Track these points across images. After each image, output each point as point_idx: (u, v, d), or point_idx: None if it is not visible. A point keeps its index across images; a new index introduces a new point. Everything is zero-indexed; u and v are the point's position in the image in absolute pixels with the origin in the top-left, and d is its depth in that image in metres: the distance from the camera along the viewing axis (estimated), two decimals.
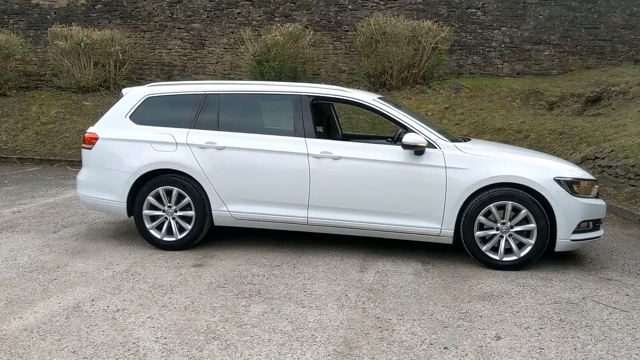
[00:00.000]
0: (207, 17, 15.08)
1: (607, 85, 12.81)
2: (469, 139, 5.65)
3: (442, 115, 12.19)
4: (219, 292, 4.18)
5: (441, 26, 13.38)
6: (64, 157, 11.66)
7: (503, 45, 14.37)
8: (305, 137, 5.14)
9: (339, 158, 5.03)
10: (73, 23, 14.97)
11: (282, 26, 13.67)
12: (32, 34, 15.44)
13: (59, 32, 13.94)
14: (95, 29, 14.54)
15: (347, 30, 14.60)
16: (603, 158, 9.48)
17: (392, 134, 6.78)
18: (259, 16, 14.94)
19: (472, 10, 14.38)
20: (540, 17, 14.24)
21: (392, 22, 13.09)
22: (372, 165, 4.99)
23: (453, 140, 5.18)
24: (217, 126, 5.32)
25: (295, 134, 5.16)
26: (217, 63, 15.08)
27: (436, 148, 4.96)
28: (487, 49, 14.41)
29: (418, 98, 12.87)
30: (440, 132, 5.23)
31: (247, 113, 5.42)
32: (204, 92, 5.45)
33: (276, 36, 13.37)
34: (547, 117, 12.09)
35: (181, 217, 5.36)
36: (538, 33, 14.27)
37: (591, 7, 14.04)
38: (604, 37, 14.07)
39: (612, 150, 9.43)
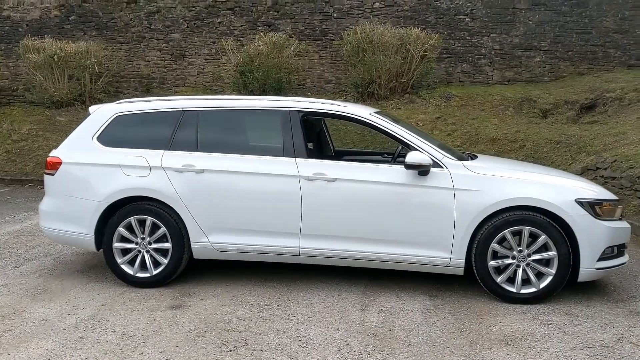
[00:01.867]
0: (187, 27, 14.51)
1: (601, 92, 12.44)
2: (476, 156, 5.12)
3: (433, 125, 11.71)
4: (199, 343, 3.59)
5: (429, 34, 12.94)
6: (36, 176, 10.96)
7: (493, 52, 13.97)
8: (295, 157, 4.58)
9: (333, 180, 4.48)
10: (46, 35, 14.31)
11: (265, 36, 13.14)
12: (3, 47, 14.74)
13: (31, 44, 13.27)
14: (70, 41, 13.89)
15: (333, 39, 14.10)
16: (605, 169, 9.03)
17: (387, 148, 6.26)
18: (241, 26, 14.40)
19: (461, 16, 13.98)
20: (530, 22, 13.86)
21: (379, 31, 12.63)
22: (371, 187, 4.44)
23: (460, 158, 4.65)
24: (195, 147, 4.74)
25: (284, 153, 4.61)
26: (198, 74, 14.48)
27: (442, 167, 4.42)
28: (476, 56, 13.99)
29: (408, 108, 12.38)
30: (444, 148, 4.71)
31: (230, 131, 4.84)
32: (180, 109, 4.87)
33: (259, 46, 12.83)
34: (541, 126, 11.67)
35: (156, 249, 4.76)
36: (528, 39, 13.89)
37: (582, 11, 13.70)
38: (596, 42, 13.73)
39: (614, 160, 8.99)
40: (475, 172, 4.40)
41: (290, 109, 4.72)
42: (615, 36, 13.67)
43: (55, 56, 12.98)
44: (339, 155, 5.89)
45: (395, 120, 4.89)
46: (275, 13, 14.34)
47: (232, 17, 14.40)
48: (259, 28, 14.17)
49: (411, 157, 4.33)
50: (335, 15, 14.18)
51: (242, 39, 14.08)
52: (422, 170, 4.36)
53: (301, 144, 4.61)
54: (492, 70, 14.01)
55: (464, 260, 4.37)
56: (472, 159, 4.87)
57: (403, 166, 4.43)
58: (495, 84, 13.82)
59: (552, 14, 13.81)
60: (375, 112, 4.87)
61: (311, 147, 5.21)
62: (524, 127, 11.58)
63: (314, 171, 4.51)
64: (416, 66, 12.65)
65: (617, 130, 10.40)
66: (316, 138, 5.86)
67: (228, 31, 14.35)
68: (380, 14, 13.97)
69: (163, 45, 14.53)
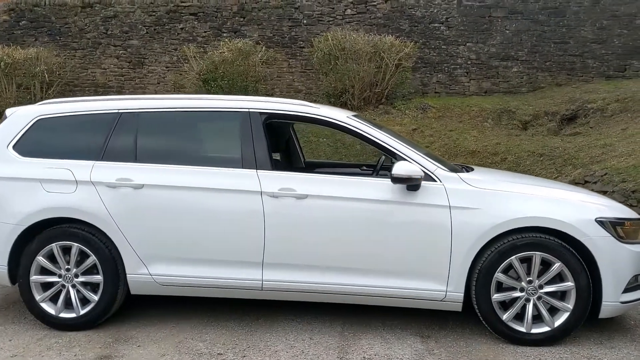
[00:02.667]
0: (147, 33, 13.59)
1: (582, 103, 11.95)
2: (472, 168, 4.34)
3: (410, 137, 11.00)
4: None
5: (404, 41, 12.30)
6: None
7: (469, 62, 13.41)
8: (257, 169, 3.76)
9: (304, 197, 3.66)
10: None
11: (230, 42, 12.32)
12: None
13: None
14: (19, 47, 12.83)
15: (303, 47, 13.37)
16: (595, 182, 8.42)
17: (367, 160, 5.47)
18: (205, 32, 13.56)
19: (436, 25, 13.40)
20: (507, 31, 13.37)
21: (352, 37, 11.93)
22: (349, 206, 3.64)
23: (454, 170, 3.88)
24: (134, 156, 3.87)
25: (244, 164, 3.78)
26: (158, 83, 13.55)
27: (436, 181, 3.65)
28: (452, 66, 13.42)
29: (383, 119, 11.67)
30: (436, 159, 3.94)
31: (177, 138, 3.99)
32: (116, 111, 4.00)
33: (224, 52, 12.00)
34: (522, 138, 11.09)
35: (84, 283, 3.86)
36: (505, 48, 13.39)
37: (559, 20, 13.26)
38: (574, 52, 13.29)
39: (605, 174, 8.39)
40: (474, 186, 3.64)
41: (250, 110, 3.90)
42: (593, 46, 13.26)
43: (2, 63, 11.94)
44: (310, 168, 5.08)
45: (378, 126, 4.11)
46: (242, 19, 13.56)
47: (195, 22, 13.56)
48: (224, 34, 13.35)
49: (399, 168, 3.54)
50: (304, 21, 13.46)
51: (205, 45, 13.23)
52: (411, 184, 3.57)
53: (264, 153, 3.79)
54: (469, 81, 13.45)
55: (462, 294, 3.59)
56: (467, 171, 4.10)
57: (388, 179, 3.64)
58: (472, 95, 13.25)
59: (529, 23, 13.34)
60: (354, 116, 4.08)
61: (277, 157, 4.40)
62: (504, 139, 10.99)
63: (280, 186, 3.69)
64: (391, 75, 11.98)
65: (603, 142, 9.86)
66: (284, 147, 5.05)
67: (191, 37, 13.50)
68: (352, 21, 13.31)
69: (121, 52, 13.59)
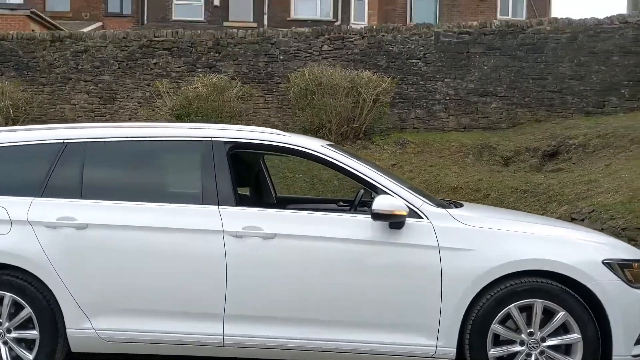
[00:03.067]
0: (119, 68, 13.21)
1: (563, 139, 11.77)
2: (461, 204, 3.93)
3: None
4: None
5: (382, 77, 12.08)
6: None
7: (447, 98, 13.23)
8: (219, 205, 3.32)
9: (272, 236, 3.22)
10: None
11: (204, 77, 11.99)
12: None
13: None
14: None
15: (279, 83, 13.09)
16: (582, 220, 8.11)
17: (344, 195, 5.06)
18: (179, 67, 13.22)
19: (413, 60, 13.25)
20: (485, 67, 13.26)
21: (329, 72, 11.70)
22: (324, 246, 3.21)
23: (441, 205, 3.48)
24: (79, 192, 3.41)
25: (204, 200, 3.34)
26: (130, 119, 13.09)
27: (422, 218, 3.24)
28: (430, 102, 13.22)
29: (361, 154, 11.31)
30: (421, 193, 3.53)
31: (130, 171, 3.55)
32: (61, 141, 3.54)
33: (198, 88, 11.67)
34: (504, 174, 10.83)
35: (18, 340, 3.33)
36: (484, 84, 13.26)
37: (537, 56, 13.20)
38: (553, 89, 13.19)
39: (592, 211, 8.09)
40: (466, 223, 3.23)
41: (213, 139, 3.47)
42: (571, 82, 13.19)
43: None
44: (282, 204, 4.65)
45: (355, 156, 3.71)
46: (217, 54, 13.27)
47: (169, 57, 13.23)
48: (199, 70, 13.02)
49: (380, 203, 3.13)
50: (281, 57, 13.22)
51: (179, 81, 12.88)
52: (394, 220, 3.15)
53: (228, 187, 3.35)
54: (448, 117, 13.24)
55: (454, 349, 3.14)
56: (457, 207, 3.69)
57: (368, 216, 3.22)
58: (451, 131, 13.02)
59: (507, 59, 13.26)
60: (328, 145, 3.68)
61: (246, 192, 3.97)
62: (486, 175, 10.72)
63: (245, 224, 3.25)
64: (368, 111, 11.72)
65: (587, 178, 9.61)
66: (253, 181, 4.61)
67: (164, 72, 13.14)
68: (329, 57, 13.10)
69: (91, 87, 13.16)
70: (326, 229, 3.21)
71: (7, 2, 19.13)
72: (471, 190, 10.00)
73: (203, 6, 23.88)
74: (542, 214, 8.89)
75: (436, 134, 12.66)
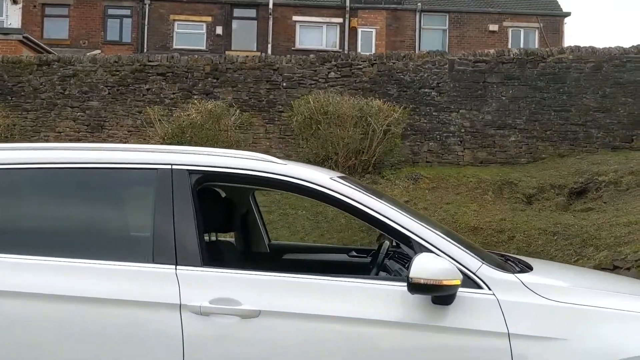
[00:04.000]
0: (109, 93, 12.32)
1: (591, 175, 10.74)
2: (527, 264, 2.77)
3: None
4: None
5: (393, 106, 11.13)
6: None
7: (463, 130, 12.27)
8: (177, 264, 2.24)
9: (255, 314, 2.14)
10: None
11: (199, 103, 11.05)
12: None
13: None
14: None
15: (282, 111, 12.15)
16: (628, 269, 7.01)
17: (357, 238, 4.02)
18: (174, 93, 12.32)
19: (426, 90, 12.33)
20: (503, 98, 12.33)
21: (336, 100, 10.77)
22: (332, 330, 2.11)
23: (501, 266, 2.38)
24: None
25: (155, 257, 2.27)
26: None
27: (481, 287, 2.15)
28: (444, 134, 12.25)
29: None
30: (472, 247, 2.46)
31: (49, 211, 2.47)
32: None
33: (192, 115, 10.71)
34: (528, 213, 9.76)
35: None
36: (502, 116, 12.30)
37: (559, 87, 12.28)
38: (576, 121, 12.23)
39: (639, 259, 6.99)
40: (548, 297, 2.14)
41: (174, 166, 2.41)
42: (596, 115, 12.22)
43: None
44: (276, 253, 3.58)
45: (377, 194, 2.63)
46: (215, 80, 12.38)
47: (164, 83, 12.34)
48: (195, 96, 12.09)
49: (422, 268, 2.04)
50: (284, 84, 12.31)
51: (173, 108, 11.95)
52: (442, 293, 2.07)
53: (192, 237, 2.29)
54: (463, 150, 12.25)
55: None
56: (524, 269, 2.57)
57: (399, 283, 2.14)
58: (467, 165, 12.01)
59: (527, 89, 12.34)
60: (340, 177, 2.61)
61: (214, 239, 2.91)
62: (508, 214, 9.65)
63: (214, 295, 2.18)
64: (378, 142, 10.72)
65: (625, 219, 8.53)
66: (241, 226, 3.53)
67: (158, 99, 12.23)
68: (336, 85, 12.19)
69: (78, 114, 12.24)
70: (336, 304, 2.13)
71: (3, 26, 18.50)
72: (494, 232, 8.93)
73: (205, 35, 23.27)
74: (576, 261, 7.80)
75: (451, 168, 11.64)
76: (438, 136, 12.19)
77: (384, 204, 2.36)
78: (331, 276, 2.27)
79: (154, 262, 2.26)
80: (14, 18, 21.40)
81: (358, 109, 10.63)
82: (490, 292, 2.14)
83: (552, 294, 2.16)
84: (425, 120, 12.22)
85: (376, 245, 3.71)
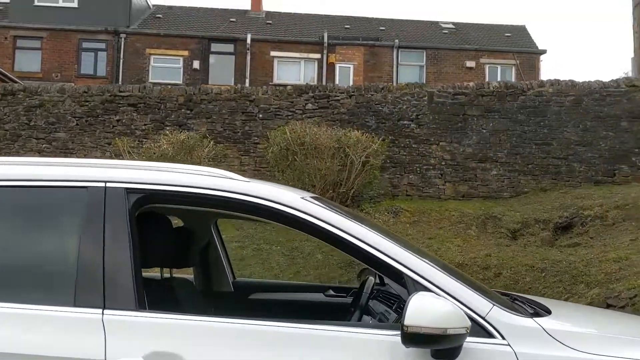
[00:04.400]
0: (77, 124, 11.80)
1: (576, 209, 10.45)
2: (546, 307, 2.22)
3: None
4: None
5: (372, 137, 10.80)
6: None
7: (443, 163, 11.96)
8: (104, 308, 1.75)
9: None
10: None
11: (172, 134, 10.59)
12: None
13: None
14: None
15: (257, 143, 11.74)
16: (623, 307, 6.59)
17: (336, 276, 3.59)
18: (145, 125, 11.85)
19: (405, 122, 12.05)
20: (484, 130, 12.09)
21: (313, 131, 10.39)
22: None
23: (514, 309, 1.91)
24: None
25: (77, 299, 1.77)
26: None
27: (493, 336, 1.69)
28: (425, 167, 11.92)
29: None
30: (479, 287, 1.99)
31: None
32: None
33: (163, 146, 10.22)
34: (514, 249, 9.39)
35: None
36: (482, 149, 12.04)
37: (540, 120, 12.10)
38: (558, 155, 12.01)
39: (634, 295, 6.59)
40: (576, 348, 1.68)
41: (108, 184, 1.94)
42: (578, 149, 12.04)
43: None
44: (241, 292, 3.09)
45: (358, 217, 2.17)
46: (188, 111, 11.96)
47: (135, 114, 11.88)
48: (167, 127, 11.63)
49: (419, 311, 1.56)
50: (260, 115, 11.94)
51: (144, 139, 11.44)
52: (446, 346, 1.59)
53: (125, 271, 1.80)
54: (444, 183, 11.91)
55: None
56: (541, 312, 2.08)
57: (392, 333, 1.67)
58: (448, 199, 11.66)
59: (507, 122, 12.14)
60: (313, 197, 2.16)
61: (168, 276, 2.42)
62: (493, 249, 9.25)
63: (149, 348, 1.68)
64: (357, 174, 10.34)
65: (614, 254, 8.17)
66: (201, 263, 3.04)
67: (128, 130, 11.74)
68: (313, 116, 11.84)
69: (44, 145, 11.66)
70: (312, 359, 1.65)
71: None
72: (479, 268, 8.49)
73: (182, 69, 23.00)
74: (567, 298, 7.39)
75: (432, 202, 11.28)
76: (418, 169, 11.86)
77: (369, 230, 1.90)
78: (303, 322, 1.77)
79: (75, 305, 1.76)
80: None
81: (336, 140, 10.28)
82: (505, 342, 1.67)
83: (578, 343, 1.70)
84: (405, 153, 11.89)
85: (357, 283, 3.25)
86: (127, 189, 1.94)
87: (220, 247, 3.25)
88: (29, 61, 22.02)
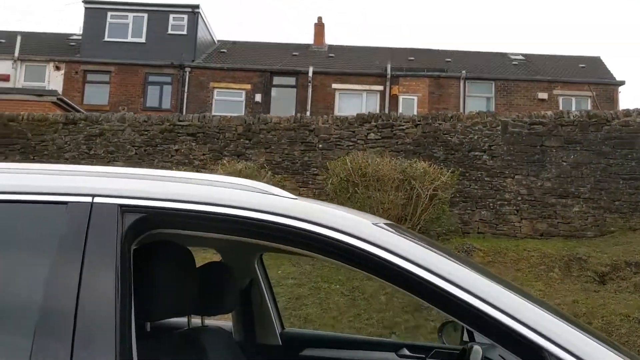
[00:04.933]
0: (136, 153, 11.62)
1: None
2: None
3: None
4: None
5: (440, 169, 10.00)
6: None
7: (519, 198, 10.98)
8: None
9: None
10: None
11: (229, 164, 10.18)
12: None
13: None
14: None
15: (317, 174, 11.17)
16: None
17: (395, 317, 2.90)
18: (203, 155, 11.54)
19: (477, 153, 11.20)
20: (564, 163, 11.06)
21: (376, 161, 9.71)
22: None
23: None
24: None
25: (34, 356, 1.16)
26: None
27: None
28: (499, 202, 10.97)
29: None
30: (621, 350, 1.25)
31: None
32: None
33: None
34: (604, 295, 8.29)
35: None
36: (563, 184, 10.99)
37: (627, 153, 10.97)
38: None
39: None
40: None
41: (95, 198, 1.33)
42: None
43: None
44: (291, 348, 2.42)
45: (454, 256, 1.47)
46: (247, 141, 11.57)
47: (193, 144, 11.60)
48: (225, 157, 11.26)
49: None
50: (320, 145, 11.40)
51: (202, 169, 11.10)
52: None
53: (108, 319, 1.17)
54: (520, 220, 10.90)
55: None
56: None
57: None
58: (525, 237, 10.63)
59: (590, 154, 11.06)
60: (388, 225, 1.48)
61: (201, 324, 1.81)
62: (580, 295, 8.20)
63: None
64: (424, 209, 9.52)
65: None
66: (235, 303, 2.39)
67: (187, 160, 11.46)
68: (375, 146, 11.19)
69: None
70: None
71: (39, 88, 18.49)
72: None
73: (244, 102, 23.00)
74: None
75: (508, 240, 10.29)
76: (491, 204, 10.93)
77: (461, 267, 1.20)
78: None
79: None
80: (55, 84, 21.55)
81: (400, 171, 9.54)
82: None
83: None
84: (477, 186, 11.00)
85: (440, 340, 2.50)
86: (122, 206, 1.33)
87: (266, 289, 2.59)
88: (97, 94, 22.58)
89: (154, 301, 1.45)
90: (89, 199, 1.35)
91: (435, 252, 1.30)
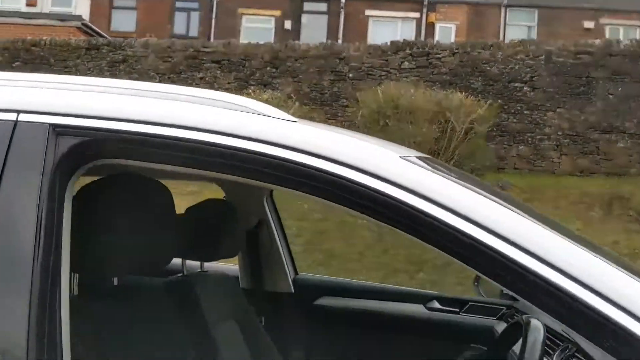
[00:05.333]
0: (159, 81, 11.24)
1: None
2: None
3: None
4: None
5: (478, 101, 9.45)
6: None
7: (560, 133, 10.38)
8: None
9: None
10: None
11: (254, 94, 9.78)
12: None
13: None
14: None
15: (346, 106, 10.71)
16: None
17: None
18: (229, 83, 11.13)
19: (517, 84, 10.54)
20: (611, 96, 10.35)
21: (409, 93, 9.20)
22: None
23: None
24: None
25: None
26: None
27: None
28: (538, 137, 10.41)
29: None
30: None
31: None
32: None
33: None
34: None
35: None
36: (608, 118, 10.32)
37: None
38: None
39: None
40: None
41: (20, 115, 0.98)
42: None
43: None
44: (305, 296, 2.12)
45: (497, 194, 1.09)
46: (274, 69, 11.10)
47: (218, 71, 11.19)
48: (251, 86, 10.85)
49: None
50: (350, 75, 10.86)
51: None
52: None
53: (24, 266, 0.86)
54: (560, 156, 10.36)
55: None
56: None
57: None
58: (565, 174, 10.11)
59: (639, 87, 10.29)
60: (421, 158, 1.11)
61: (200, 269, 1.51)
62: (621, 235, 7.84)
63: None
64: (458, 142, 9.07)
65: None
66: (242, 244, 2.07)
67: (211, 89, 11.05)
68: (410, 76, 10.60)
69: None
70: None
71: (65, 13, 18.12)
72: None
73: (273, 29, 22.24)
74: None
75: (546, 177, 9.82)
76: (530, 139, 10.37)
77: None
78: None
79: None
80: (82, 9, 21.09)
81: (435, 103, 9.05)
82: None
83: None
84: (515, 120, 10.42)
85: (474, 292, 2.17)
86: (55, 125, 0.98)
87: (277, 230, 2.27)
88: (124, 21, 22.09)
89: (112, 252, 1.13)
90: (12, 116, 1.00)
91: (494, 201, 0.93)
